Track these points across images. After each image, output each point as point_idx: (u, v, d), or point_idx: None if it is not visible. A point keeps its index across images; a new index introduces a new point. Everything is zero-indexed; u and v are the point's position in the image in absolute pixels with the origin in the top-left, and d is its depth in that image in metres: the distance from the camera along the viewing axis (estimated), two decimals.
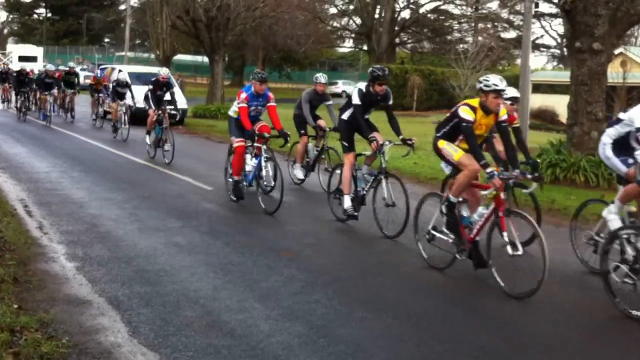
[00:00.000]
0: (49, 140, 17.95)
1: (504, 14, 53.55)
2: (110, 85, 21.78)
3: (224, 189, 10.94)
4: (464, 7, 57.30)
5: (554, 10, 42.97)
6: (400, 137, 8.99)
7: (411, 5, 57.83)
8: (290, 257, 7.43)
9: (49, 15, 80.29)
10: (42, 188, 10.86)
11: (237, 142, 10.19)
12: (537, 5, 20.67)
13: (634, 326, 5.73)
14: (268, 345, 4.96)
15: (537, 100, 32.62)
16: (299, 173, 12.14)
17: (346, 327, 5.37)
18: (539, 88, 35.23)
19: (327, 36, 59.36)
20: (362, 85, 9.07)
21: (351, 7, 58.73)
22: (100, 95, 23.40)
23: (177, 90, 25.52)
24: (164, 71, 16.15)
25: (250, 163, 10.17)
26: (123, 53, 53.02)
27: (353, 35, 63.38)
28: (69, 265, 6.73)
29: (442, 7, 58.12)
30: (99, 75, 25.43)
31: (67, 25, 77.16)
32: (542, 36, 62.52)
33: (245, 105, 10.01)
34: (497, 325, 5.65)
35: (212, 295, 6.03)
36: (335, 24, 61.24)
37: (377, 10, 56.53)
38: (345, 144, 9.10)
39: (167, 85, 15.66)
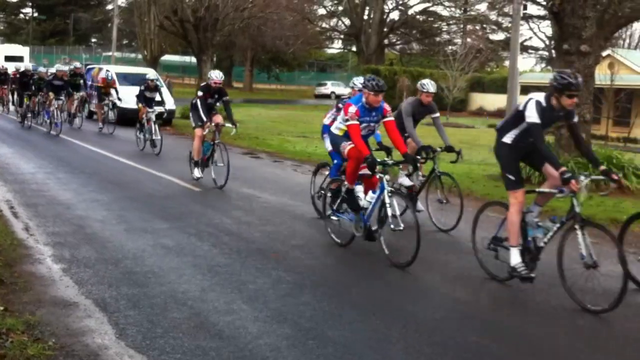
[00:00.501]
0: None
1: (493, 16, 53.85)
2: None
3: (211, 190, 10.92)
4: (453, 9, 57.62)
5: (542, 12, 43.11)
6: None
7: (400, 7, 58.07)
8: (278, 258, 7.43)
9: (36, 14, 79.85)
10: (28, 189, 10.80)
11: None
12: (525, 8, 20.82)
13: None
14: (256, 347, 4.95)
15: None
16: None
17: (335, 329, 5.37)
18: (527, 90, 35.23)
19: (316, 37, 59.46)
20: (539, 96, 6.77)
21: (340, 8, 58.89)
22: (110, 99, 21.79)
23: (164, 90, 25.56)
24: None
25: (366, 198, 7.99)
26: (110, 53, 52.81)
27: (342, 36, 63.54)
28: (56, 267, 6.69)
29: (431, 9, 58.44)
30: (109, 77, 22.45)
31: (54, 25, 76.78)
32: (530, 38, 62.48)
33: (357, 122, 7.68)
34: (486, 326, 5.67)
35: (200, 296, 6.02)
36: (324, 24, 61.38)
37: (366, 12, 56.71)
38: (511, 178, 7.00)
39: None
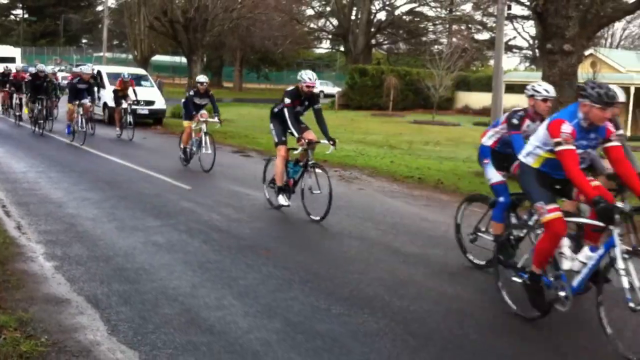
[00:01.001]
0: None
1: (478, 16, 53.99)
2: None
3: (201, 187, 10.90)
4: (439, 9, 57.66)
5: (526, 12, 43.30)
6: None
7: (387, 7, 58.01)
8: (268, 255, 7.43)
9: (26, 16, 79.38)
10: (20, 188, 10.76)
11: (551, 212, 5.40)
12: (509, 8, 20.87)
13: None
14: (247, 342, 4.96)
15: (510, 100, 32.72)
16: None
17: (323, 323, 5.39)
18: (512, 88, 35.49)
19: (304, 37, 59.33)
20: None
21: (328, 8, 58.77)
22: (129, 103, 19.20)
23: (155, 90, 25.50)
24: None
25: (580, 256, 5.63)
26: (101, 54, 52.59)
27: (330, 36, 63.43)
28: (48, 265, 6.67)
29: (417, 9, 58.39)
30: (126, 77, 19.53)
31: (44, 26, 76.37)
32: (514, 38, 62.76)
33: (572, 146, 5.26)
34: (472, 319, 5.70)
35: (190, 292, 6.02)
36: (312, 25, 61.23)
37: (354, 12, 56.67)
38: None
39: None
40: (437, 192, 12.20)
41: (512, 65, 65.46)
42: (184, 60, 38.60)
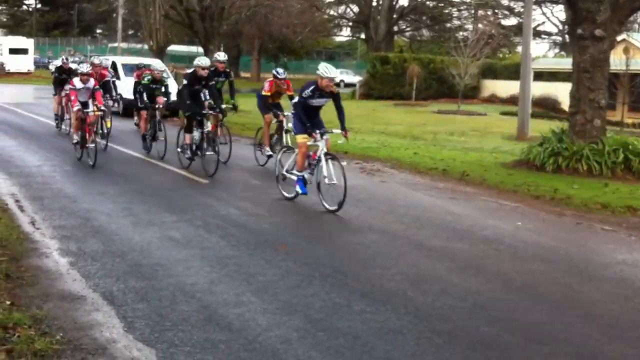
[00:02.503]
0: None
1: (505, 0, 53.54)
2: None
3: (218, 181, 10.93)
4: None
5: None
6: None
7: None
8: (287, 250, 7.44)
9: (39, 6, 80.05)
10: (34, 182, 10.86)
11: None
12: None
13: None
14: (266, 339, 4.98)
15: (539, 88, 32.62)
16: None
17: (345, 320, 5.39)
18: (540, 76, 35.22)
19: (324, 25, 59.25)
20: None
21: None
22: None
23: (171, 81, 25.60)
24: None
25: None
26: (116, 44, 52.96)
27: (350, 23, 63.29)
28: (63, 261, 6.73)
29: None
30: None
31: (58, 16, 76.98)
32: (543, 23, 62.36)
33: None
34: (498, 317, 5.67)
35: (208, 289, 6.05)
36: (331, 12, 61.13)
37: None
38: None
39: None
40: (462, 185, 12.14)
41: (540, 52, 64.91)
42: (200, 50, 38.69)
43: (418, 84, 38.80)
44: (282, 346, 4.87)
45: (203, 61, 12.45)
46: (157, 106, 14.39)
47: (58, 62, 19.56)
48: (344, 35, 71.91)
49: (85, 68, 13.79)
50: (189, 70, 12.91)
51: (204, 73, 12.32)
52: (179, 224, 8.46)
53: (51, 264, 6.61)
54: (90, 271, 6.43)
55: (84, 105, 13.34)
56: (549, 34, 66.48)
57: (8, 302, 5.37)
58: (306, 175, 9.92)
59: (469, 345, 5.05)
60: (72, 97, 13.23)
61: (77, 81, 13.54)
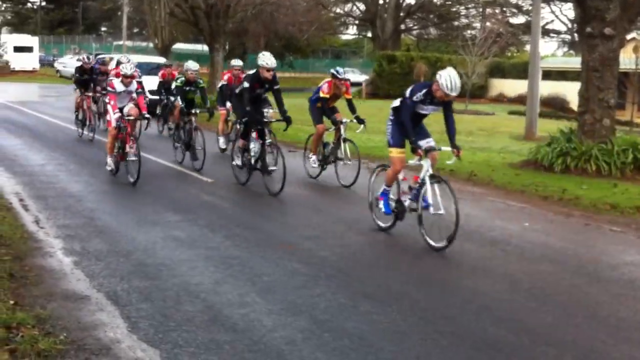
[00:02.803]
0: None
1: None
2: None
3: (222, 180, 10.94)
4: None
5: None
6: None
7: None
8: (292, 249, 7.45)
9: (43, 4, 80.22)
10: (38, 181, 10.90)
11: None
12: None
13: None
14: (271, 340, 4.98)
15: (547, 88, 32.59)
16: None
17: (350, 321, 5.39)
18: (549, 75, 35.17)
19: (330, 23, 59.25)
20: None
21: None
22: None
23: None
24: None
25: None
26: (121, 42, 53.03)
27: (357, 21, 63.27)
28: (66, 260, 6.76)
29: None
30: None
31: (62, 14, 77.10)
32: (552, 21, 62.05)
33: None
34: (505, 318, 5.66)
35: (213, 289, 6.06)
36: (338, 10, 61.13)
37: None
38: None
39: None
40: (469, 185, 12.13)
41: (549, 51, 64.81)
42: (205, 48, 38.74)
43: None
44: (287, 347, 4.88)
45: (269, 61, 10.54)
46: (193, 111, 13.08)
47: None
48: (351, 33, 71.97)
49: (128, 69, 11.55)
50: (251, 72, 11.20)
51: (269, 75, 10.59)
52: (183, 223, 8.48)
53: (55, 264, 6.63)
54: (95, 271, 6.44)
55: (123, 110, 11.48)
56: (558, 33, 66.31)
57: (12, 302, 5.39)
58: (406, 203, 8.12)
59: (475, 346, 5.05)
60: (112, 103, 11.35)
61: (117, 83, 11.47)
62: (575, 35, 52.16)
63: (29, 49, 51.70)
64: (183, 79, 13.82)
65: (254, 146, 10.76)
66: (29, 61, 51.27)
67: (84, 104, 16.82)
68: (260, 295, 5.92)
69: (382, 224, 8.44)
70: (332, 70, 11.83)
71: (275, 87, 10.86)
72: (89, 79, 17.16)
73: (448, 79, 7.60)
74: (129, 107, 11.46)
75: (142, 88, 12.52)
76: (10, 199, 9.39)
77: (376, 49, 54.00)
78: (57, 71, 50.25)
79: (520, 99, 34.71)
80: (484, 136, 21.90)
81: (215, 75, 30.26)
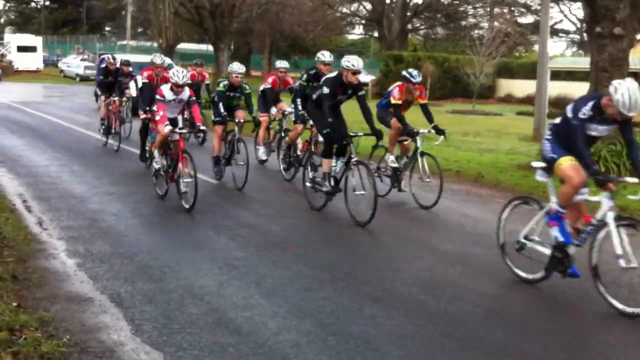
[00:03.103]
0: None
1: None
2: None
3: (226, 182, 10.96)
4: None
5: None
6: None
7: None
8: (297, 252, 7.45)
9: (47, 3, 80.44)
10: (41, 182, 10.92)
11: None
12: None
13: None
14: (276, 343, 4.98)
15: (556, 88, 32.45)
16: None
17: (356, 325, 5.39)
18: (557, 75, 35.04)
19: (336, 23, 59.22)
20: None
21: None
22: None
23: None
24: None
25: None
26: (125, 42, 53.14)
27: (363, 21, 63.20)
28: (70, 262, 6.77)
29: None
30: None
31: (66, 14, 77.29)
32: (560, 21, 61.83)
33: None
34: (512, 322, 5.66)
35: (217, 291, 6.06)
36: (344, 9, 61.06)
37: None
38: None
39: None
40: (476, 186, 12.11)
41: (558, 51, 64.65)
42: (210, 48, 38.79)
43: (432, 84, 38.69)
44: (292, 350, 4.88)
45: (355, 62, 9.13)
46: (236, 121, 11.64)
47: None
48: (357, 33, 71.83)
49: (181, 77, 9.81)
50: (332, 75, 9.56)
51: (355, 79, 9.15)
52: (188, 225, 8.49)
53: (58, 266, 6.64)
54: (98, 273, 6.46)
55: (173, 123, 10.15)
56: (567, 32, 66.08)
57: (15, 304, 5.40)
58: (571, 249, 6.48)
59: (483, 350, 5.03)
60: (161, 113, 9.84)
61: (166, 90, 10.03)
62: (585, 35, 52.05)
63: (32, 49, 51.83)
64: (226, 83, 11.71)
65: (336, 165, 9.32)
66: (33, 61, 51.39)
67: (108, 109, 15.41)
68: (265, 298, 5.93)
69: (523, 274, 6.78)
70: (404, 73, 10.41)
71: (360, 93, 9.38)
72: (114, 81, 15.63)
73: (626, 93, 5.90)
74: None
75: (196, 95, 11.37)
76: (14, 200, 9.41)
77: (383, 49, 53.96)
78: (61, 71, 50.40)
79: (528, 100, 34.59)
80: (491, 137, 21.84)
81: (220, 75, 30.27)
